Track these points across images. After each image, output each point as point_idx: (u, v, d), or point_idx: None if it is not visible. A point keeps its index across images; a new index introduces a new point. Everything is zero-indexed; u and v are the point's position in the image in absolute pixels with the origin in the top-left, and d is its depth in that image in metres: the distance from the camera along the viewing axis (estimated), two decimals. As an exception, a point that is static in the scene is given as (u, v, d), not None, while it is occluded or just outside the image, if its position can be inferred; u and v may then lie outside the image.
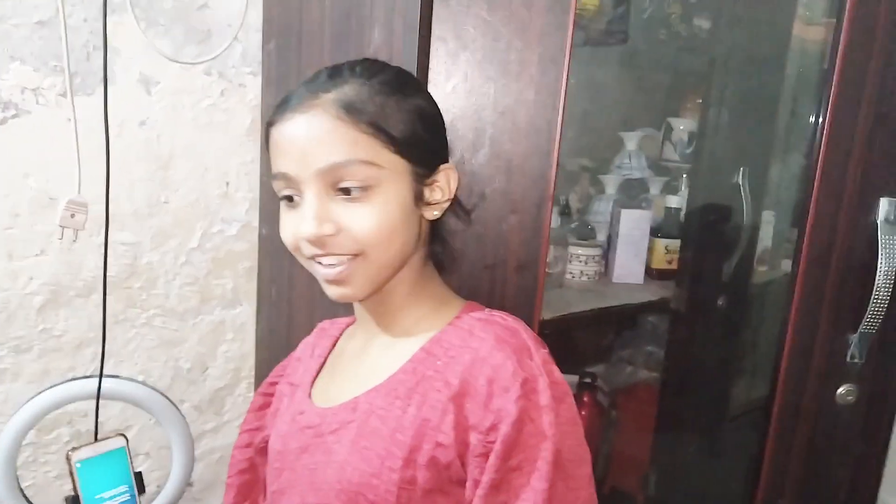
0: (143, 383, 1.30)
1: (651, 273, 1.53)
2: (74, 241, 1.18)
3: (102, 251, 1.21)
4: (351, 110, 0.66)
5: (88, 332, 1.24)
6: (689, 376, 1.53)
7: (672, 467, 1.57)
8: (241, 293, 1.41)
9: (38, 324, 1.19)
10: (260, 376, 1.45)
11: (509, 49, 0.86)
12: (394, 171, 0.68)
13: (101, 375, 1.23)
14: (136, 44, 1.18)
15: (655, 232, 1.53)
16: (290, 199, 0.70)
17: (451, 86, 0.86)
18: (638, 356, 1.96)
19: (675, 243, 1.53)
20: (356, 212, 0.67)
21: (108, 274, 1.22)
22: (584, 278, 1.44)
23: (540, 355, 0.68)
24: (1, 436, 1.17)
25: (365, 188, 0.66)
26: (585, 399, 1.43)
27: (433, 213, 0.73)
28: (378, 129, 0.66)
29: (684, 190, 1.71)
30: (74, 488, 0.94)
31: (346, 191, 0.66)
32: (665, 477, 1.58)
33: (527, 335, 0.70)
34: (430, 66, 0.86)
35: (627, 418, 1.60)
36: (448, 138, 0.77)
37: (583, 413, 1.43)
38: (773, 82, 1.39)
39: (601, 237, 1.61)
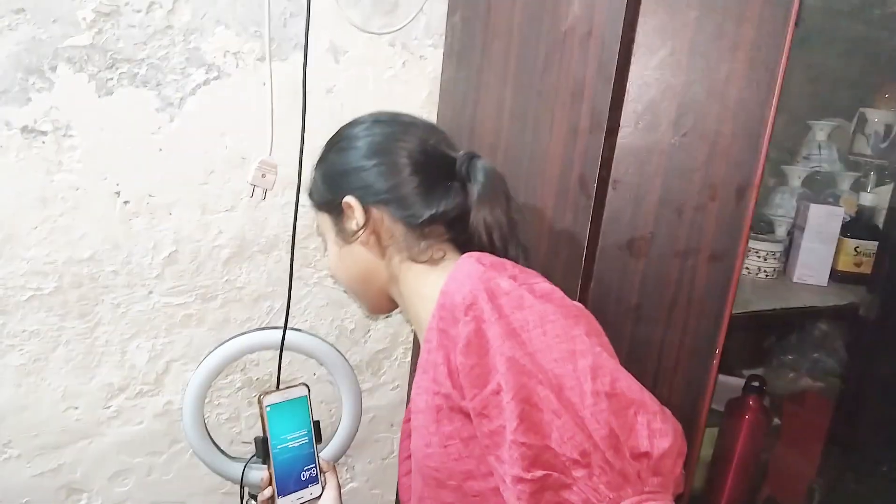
0: (322, 338, 1.36)
1: (835, 275, 1.41)
2: (263, 199, 1.24)
3: (285, 211, 1.27)
4: (308, 194, 0.96)
5: (266, 287, 1.31)
6: (869, 391, 1.40)
7: (840, 484, 1.46)
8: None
9: (223, 275, 1.27)
10: (417, 342, 1.47)
11: (724, 22, 0.80)
12: (324, 225, 0.92)
13: (285, 327, 1.29)
14: (328, 13, 1.21)
15: (844, 231, 1.41)
16: None
17: (658, 59, 0.82)
18: (803, 362, 1.82)
19: (868, 245, 1.40)
20: None
21: (287, 234, 1.28)
22: (762, 275, 1.35)
23: (486, 275, 0.74)
24: (194, 375, 1.26)
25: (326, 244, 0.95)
26: (751, 403, 1.35)
27: (363, 241, 0.86)
28: (311, 200, 0.94)
29: (875, 187, 1.56)
30: (263, 429, 1.00)
31: None
32: (831, 494, 1.47)
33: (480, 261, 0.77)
34: (636, 39, 0.82)
35: (793, 428, 1.50)
36: (344, 174, 0.87)
37: (746, 417, 1.35)
38: None
39: (780, 232, 1.50)
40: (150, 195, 1.16)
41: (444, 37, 1.32)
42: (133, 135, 1.12)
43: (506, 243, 0.84)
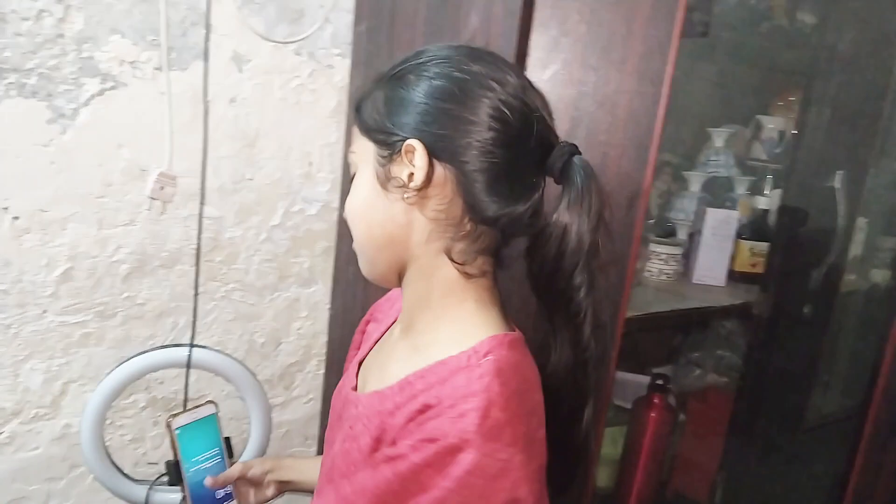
0: (228, 355, 1.33)
1: (733, 276, 1.48)
2: (162, 213, 1.21)
3: (188, 223, 1.24)
4: (357, 104, 0.72)
5: (169, 303, 1.27)
6: (766, 384, 1.47)
7: (742, 475, 1.53)
8: (317, 272, 1.42)
9: (122, 291, 1.22)
10: (331, 355, 1.46)
11: (613, 36, 0.83)
12: (363, 155, 0.70)
13: (191, 345, 1.26)
14: (230, 21, 1.19)
15: (740, 233, 1.48)
16: None
17: (550, 73, 0.84)
18: (708, 359, 1.90)
19: (761, 246, 1.47)
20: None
21: (190, 247, 1.25)
22: (663, 277, 1.40)
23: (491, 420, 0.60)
24: (93, 397, 1.21)
25: (355, 173, 0.72)
26: (655, 401, 1.39)
27: (404, 196, 0.67)
28: (357, 116, 0.71)
29: (771, 191, 1.65)
30: (175, 453, 0.97)
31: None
32: (734, 485, 1.54)
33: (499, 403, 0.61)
34: (529, 52, 0.84)
35: (696, 423, 1.56)
36: (424, 115, 0.67)
37: (651, 415, 1.39)
38: (879, 83, 1.32)
39: (681, 235, 1.56)
40: (42, 210, 1.11)
41: (351, 46, 1.32)
42: (22, 148, 1.07)
43: (574, 268, 0.68)
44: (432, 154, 0.65)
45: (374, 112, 0.69)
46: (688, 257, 1.49)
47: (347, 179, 1.33)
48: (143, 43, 1.13)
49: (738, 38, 1.51)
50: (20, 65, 1.05)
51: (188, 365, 1.27)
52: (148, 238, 1.21)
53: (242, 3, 1.20)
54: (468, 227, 0.68)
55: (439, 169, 0.66)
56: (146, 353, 1.25)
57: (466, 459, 0.58)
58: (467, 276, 0.70)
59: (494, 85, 0.65)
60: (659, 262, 1.39)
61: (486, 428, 0.59)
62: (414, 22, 1.07)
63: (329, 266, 1.43)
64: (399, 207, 0.68)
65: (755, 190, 1.67)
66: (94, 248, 1.17)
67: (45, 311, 1.16)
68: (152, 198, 1.18)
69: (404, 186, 0.66)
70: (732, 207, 1.61)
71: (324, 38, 1.29)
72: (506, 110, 0.65)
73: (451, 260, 0.68)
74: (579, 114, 0.85)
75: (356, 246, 0.74)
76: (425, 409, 0.61)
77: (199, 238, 1.22)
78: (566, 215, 0.66)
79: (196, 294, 1.25)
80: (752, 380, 1.51)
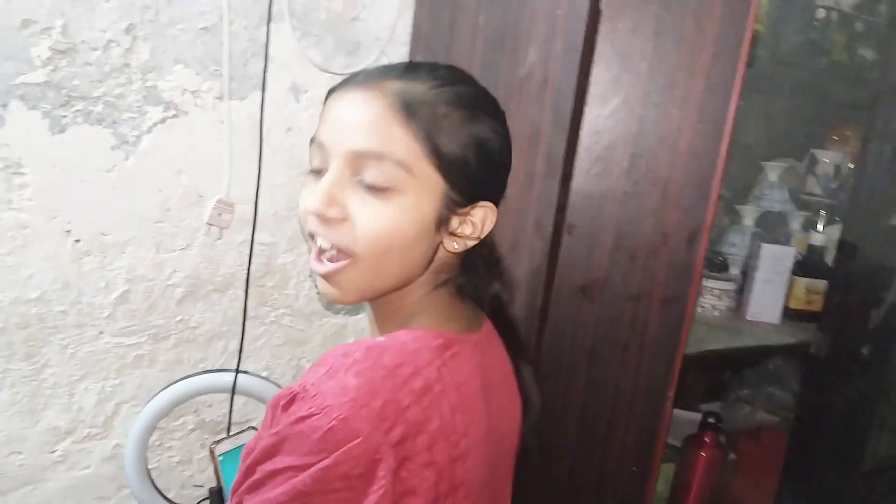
0: (272, 381, 1.34)
1: (788, 313, 1.44)
2: (219, 238, 1.23)
3: (241, 249, 1.25)
4: (409, 107, 0.61)
5: (221, 326, 1.29)
6: (822, 425, 1.43)
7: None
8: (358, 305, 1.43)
9: (176, 314, 1.24)
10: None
11: (675, 73, 0.83)
12: (425, 184, 0.63)
13: (237, 370, 1.27)
14: (289, 52, 1.22)
15: (795, 270, 1.44)
16: (317, 172, 0.66)
17: (610, 109, 0.84)
18: (758, 397, 1.85)
19: (818, 283, 1.44)
20: (369, 208, 0.62)
21: (244, 272, 1.27)
22: (716, 313, 1.38)
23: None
24: (138, 417, 1.22)
25: (387, 189, 0.62)
26: (706, 440, 1.36)
27: (453, 246, 0.67)
28: (427, 137, 0.61)
29: (825, 227, 1.61)
30: (218, 479, 0.97)
31: (371, 179, 0.62)
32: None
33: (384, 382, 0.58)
34: (589, 88, 0.84)
35: (748, 463, 1.52)
36: (504, 177, 0.71)
37: (702, 454, 1.36)
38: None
39: (733, 270, 1.54)
40: (102, 234, 1.14)
41: (404, 77, 1.33)
42: (86, 173, 1.11)
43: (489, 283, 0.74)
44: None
45: (460, 151, 0.64)
46: (741, 293, 1.46)
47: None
48: (204, 73, 1.16)
49: (793, 72, 1.50)
50: (87, 93, 1.08)
51: (233, 391, 1.28)
52: (203, 263, 1.23)
53: (301, 35, 1.22)
54: (471, 257, 0.72)
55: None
56: (191, 378, 1.26)
57: (299, 408, 0.55)
58: (452, 296, 0.71)
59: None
60: (711, 297, 1.37)
61: (326, 385, 0.56)
62: (471, 56, 1.07)
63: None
64: (434, 244, 0.67)
65: (809, 225, 1.63)
66: (150, 271, 1.19)
67: (101, 333, 1.18)
68: (210, 224, 1.20)
69: (457, 235, 0.67)
70: (786, 243, 1.58)
71: (379, 69, 1.31)
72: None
73: (434, 286, 0.70)
74: (639, 150, 0.85)
75: (369, 269, 0.65)
76: (290, 395, 0.59)
77: (248, 263, 1.24)
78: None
79: (244, 319, 1.26)
80: (807, 420, 1.46)
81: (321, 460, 0.54)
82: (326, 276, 0.66)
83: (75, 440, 1.21)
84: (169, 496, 1.30)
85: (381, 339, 0.63)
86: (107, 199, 1.13)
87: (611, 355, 0.89)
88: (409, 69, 0.65)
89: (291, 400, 0.57)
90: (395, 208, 0.62)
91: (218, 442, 0.98)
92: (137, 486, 1.25)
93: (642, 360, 0.89)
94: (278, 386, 1.33)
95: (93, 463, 1.24)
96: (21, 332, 1.11)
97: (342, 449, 0.54)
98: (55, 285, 1.12)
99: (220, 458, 0.97)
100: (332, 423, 0.54)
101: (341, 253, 0.64)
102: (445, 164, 0.63)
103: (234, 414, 1.35)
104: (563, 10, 0.87)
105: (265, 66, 1.18)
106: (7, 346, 1.11)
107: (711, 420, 1.36)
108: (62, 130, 1.07)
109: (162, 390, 1.24)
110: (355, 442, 0.54)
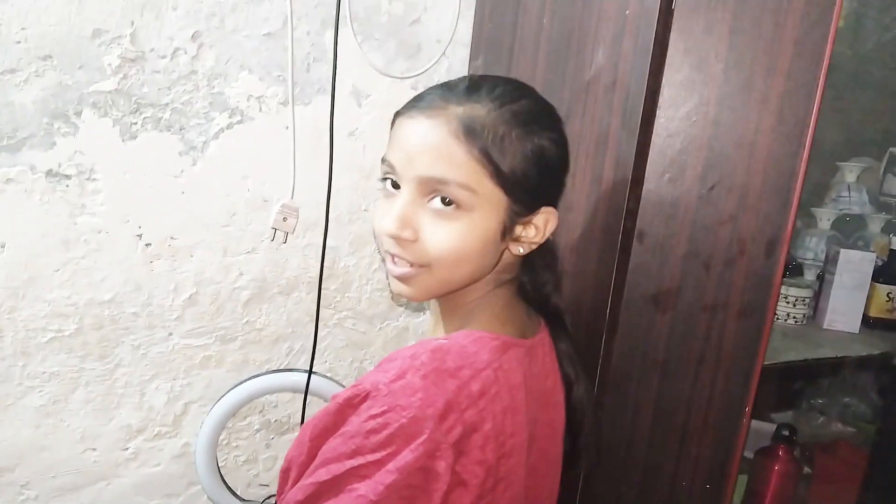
0: (339, 382, 1.35)
1: (867, 321, 1.37)
2: (284, 242, 1.24)
3: (306, 253, 1.27)
4: (470, 132, 0.65)
5: (286, 328, 1.30)
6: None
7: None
8: (426, 302, 1.42)
9: (243, 316, 1.26)
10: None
11: (753, 74, 0.79)
12: (489, 201, 0.67)
13: (310, 371, 1.29)
14: (351, 56, 1.22)
15: (875, 276, 1.37)
16: (394, 185, 0.70)
17: (684, 112, 0.81)
18: (833, 407, 1.78)
19: (901, 290, 1.36)
20: (439, 227, 0.67)
21: (308, 275, 1.28)
22: (791, 321, 1.32)
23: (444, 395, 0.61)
24: (208, 417, 1.25)
25: (456, 208, 0.67)
26: (780, 454, 1.30)
27: (518, 250, 0.72)
28: (487, 159, 0.65)
29: (910, 229, 1.53)
30: None
31: (440, 201, 0.67)
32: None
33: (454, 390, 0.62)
34: (661, 91, 0.81)
35: (825, 477, 1.45)
36: (562, 182, 0.74)
37: (776, 467, 1.31)
38: None
39: (809, 276, 1.47)
40: (171, 237, 1.16)
41: (466, 79, 1.32)
42: (156, 178, 1.13)
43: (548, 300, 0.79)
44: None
45: (520, 166, 0.67)
46: (817, 300, 1.39)
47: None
48: (268, 78, 1.17)
49: (872, 69, 1.42)
50: (156, 100, 1.10)
51: (306, 391, 1.29)
52: (268, 266, 1.25)
53: (363, 39, 1.22)
54: (531, 257, 0.75)
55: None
56: (262, 376, 1.28)
57: (371, 406, 0.60)
58: (512, 296, 0.77)
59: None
60: (786, 304, 1.31)
61: (396, 385, 0.60)
62: (534, 58, 1.05)
63: (438, 297, 1.43)
64: (500, 250, 0.72)
65: (889, 228, 1.55)
66: (218, 274, 1.21)
67: (170, 334, 1.21)
68: (275, 228, 1.21)
69: (521, 241, 0.72)
70: (865, 247, 1.51)
71: (440, 72, 1.30)
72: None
73: (497, 287, 0.75)
74: (714, 154, 0.81)
75: (442, 279, 0.70)
76: (363, 394, 0.63)
77: (321, 268, 1.25)
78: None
79: (317, 320, 1.27)
80: (890, 435, 1.38)
81: (397, 453, 0.58)
82: (401, 278, 0.71)
83: (146, 438, 1.24)
84: (237, 493, 1.33)
85: (443, 341, 0.67)
86: (175, 203, 1.15)
87: (684, 368, 0.86)
88: (469, 91, 0.69)
89: (364, 398, 0.61)
90: (462, 226, 0.67)
91: None
92: (209, 482, 1.27)
93: (718, 374, 0.86)
94: (344, 387, 1.34)
95: (163, 460, 1.27)
96: (95, 333, 1.15)
97: (411, 445, 0.58)
98: (127, 287, 1.15)
99: None
100: (402, 420, 0.59)
101: (416, 264, 0.70)
102: (506, 181, 0.67)
103: (298, 415, 1.36)
104: (633, 10, 0.84)
105: (334, 70, 1.18)
106: (82, 346, 1.14)
107: (786, 433, 1.30)
108: (133, 137, 1.10)
109: (234, 387, 1.26)
110: (421, 439, 0.59)
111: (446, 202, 0.66)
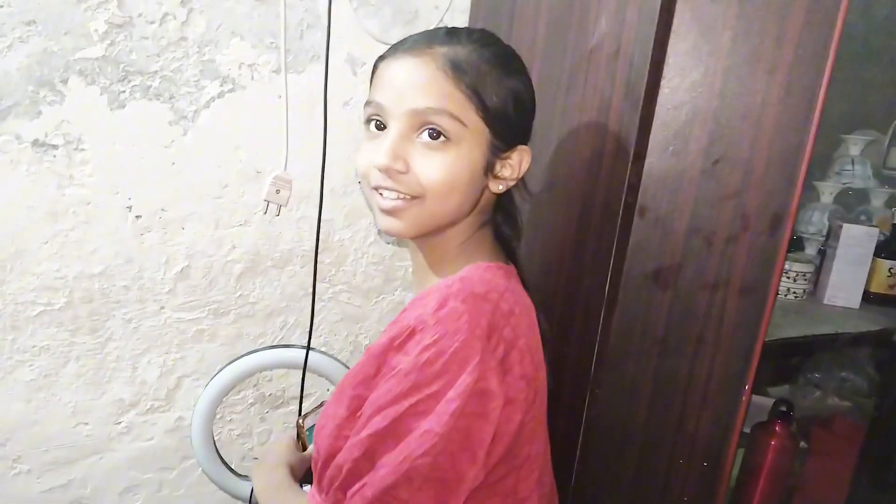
0: (339, 360, 1.33)
1: (868, 297, 1.36)
2: (277, 214, 1.22)
3: (300, 225, 1.24)
4: (457, 68, 0.70)
5: (280, 302, 1.28)
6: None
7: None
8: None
9: (236, 290, 1.24)
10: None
11: (761, 44, 0.76)
12: (475, 134, 0.71)
13: (308, 347, 1.28)
14: (346, 23, 1.18)
15: (878, 251, 1.35)
16: (378, 125, 0.74)
17: (688, 83, 0.78)
18: (830, 381, 1.77)
19: (902, 266, 1.34)
20: (430, 158, 0.71)
21: (301, 248, 1.26)
22: (791, 296, 1.30)
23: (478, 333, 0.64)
24: (205, 391, 1.24)
25: (445, 140, 0.70)
26: (777, 429, 1.30)
27: (498, 187, 0.76)
28: (474, 93, 0.70)
29: (911, 204, 1.51)
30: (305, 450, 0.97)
31: (428, 135, 0.70)
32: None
33: (488, 315, 0.66)
34: (667, 60, 0.78)
35: (821, 452, 1.45)
36: (532, 123, 0.78)
37: (772, 443, 1.30)
38: None
39: (810, 250, 1.45)
40: (162, 209, 1.14)
41: (464, 47, 1.28)
42: (146, 148, 1.10)
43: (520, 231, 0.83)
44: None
45: (501, 102, 0.72)
46: (817, 275, 1.38)
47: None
48: (261, 46, 1.14)
49: (880, 40, 1.39)
50: (145, 67, 1.07)
51: (304, 367, 1.28)
52: (261, 239, 1.22)
53: (358, 5, 1.19)
54: (511, 196, 0.80)
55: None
56: (261, 352, 1.27)
57: (422, 338, 0.63)
58: (495, 235, 0.80)
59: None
60: (786, 279, 1.29)
61: (442, 313, 0.64)
62: (535, 24, 1.02)
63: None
64: (481, 186, 0.75)
65: (892, 202, 1.53)
66: (210, 247, 1.19)
67: (162, 308, 1.19)
68: (268, 200, 1.19)
69: (500, 178, 0.75)
70: (868, 220, 1.49)
71: (438, 39, 1.26)
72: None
73: (481, 224, 0.78)
74: (719, 127, 0.78)
75: (432, 212, 0.73)
76: (407, 330, 0.66)
77: (317, 241, 1.23)
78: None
79: (314, 296, 1.25)
80: (888, 410, 1.38)
81: (454, 380, 0.61)
82: (391, 212, 0.73)
83: (139, 412, 1.23)
84: (231, 467, 1.32)
85: (461, 274, 0.72)
86: (166, 174, 1.12)
87: (684, 345, 0.84)
88: (449, 34, 0.73)
89: (411, 334, 0.64)
90: (451, 156, 0.71)
91: (305, 416, 0.98)
92: (204, 457, 1.26)
93: (718, 352, 0.84)
94: (342, 363, 1.33)
95: (156, 434, 1.26)
96: (86, 307, 1.13)
97: (467, 368, 0.61)
98: (117, 260, 1.13)
99: (308, 431, 0.97)
100: (456, 344, 0.62)
101: (407, 196, 0.72)
102: (490, 116, 0.71)
103: (293, 389, 1.35)
104: (638, -24, 0.81)
105: (328, 37, 1.14)
106: (73, 319, 1.12)
107: (783, 409, 1.30)
108: (121, 106, 1.07)
109: (231, 362, 1.25)
110: (475, 360, 0.62)
111: (435, 136, 0.70)
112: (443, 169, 0.70)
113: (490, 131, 0.72)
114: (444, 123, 0.69)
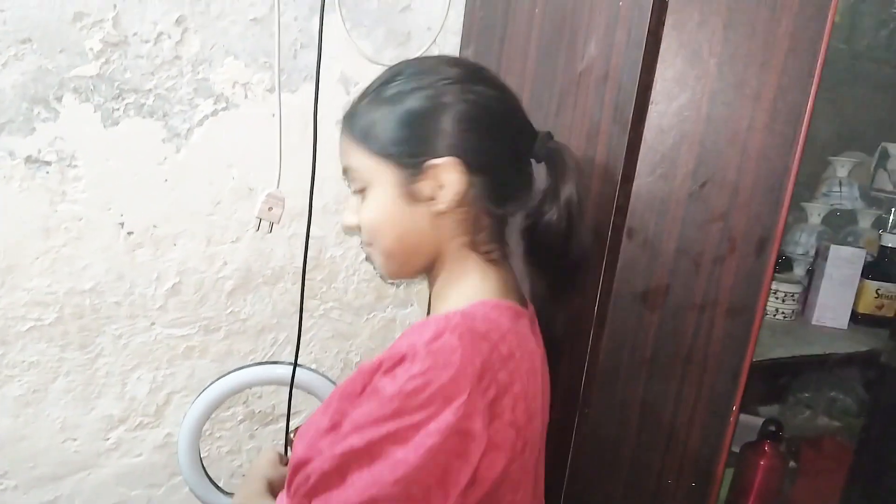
0: (327, 377, 1.33)
1: (856, 318, 1.37)
2: (269, 232, 1.22)
3: (291, 242, 1.25)
4: (350, 122, 0.76)
5: (271, 319, 1.28)
6: (894, 437, 1.35)
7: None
8: (413, 293, 1.41)
9: (227, 306, 1.24)
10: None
11: (746, 69, 0.77)
12: (380, 172, 0.73)
13: (295, 364, 1.27)
14: (339, 43, 1.19)
15: (865, 272, 1.36)
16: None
17: (676, 106, 0.79)
18: (819, 401, 1.78)
19: (889, 287, 1.36)
20: (361, 207, 0.76)
21: (293, 265, 1.26)
22: (780, 317, 1.31)
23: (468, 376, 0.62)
24: (191, 408, 1.23)
25: (361, 189, 0.76)
26: (766, 449, 1.30)
27: (439, 207, 0.73)
28: (365, 138, 0.74)
29: (900, 225, 1.52)
30: None
31: (354, 189, 0.77)
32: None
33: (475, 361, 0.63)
34: (654, 85, 0.79)
35: (810, 472, 1.45)
36: (449, 131, 0.73)
37: (761, 463, 1.31)
38: None
39: (798, 271, 1.47)
40: (154, 226, 1.14)
41: (457, 68, 1.30)
42: (139, 165, 1.11)
43: (567, 244, 0.76)
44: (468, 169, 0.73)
45: (390, 132, 0.73)
46: (806, 296, 1.39)
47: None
48: (254, 65, 1.15)
49: (865, 65, 1.41)
50: (139, 85, 1.08)
51: (291, 384, 1.27)
52: (253, 256, 1.23)
53: (352, 26, 1.20)
54: (486, 221, 0.76)
55: (464, 178, 0.72)
56: (247, 368, 1.26)
57: (410, 366, 0.61)
58: (490, 262, 0.77)
59: (501, 99, 0.76)
60: (774, 300, 1.30)
61: (435, 345, 0.62)
62: (526, 47, 1.03)
63: (425, 288, 1.41)
64: (424, 215, 0.74)
65: (879, 224, 1.55)
66: (201, 263, 1.19)
67: (153, 324, 1.19)
68: (260, 218, 1.19)
69: (432, 199, 0.73)
70: (855, 242, 1.50)
71: (431, 59, 1.28)
72: (510, 120, 0.76)
73: (478, 252, 0.76)
74: (706, 151, 0.80)
75: (383, 252, 0.77)
76: (398, 356, 0.63)
77: (304, 258, 1.23)
78: (566, 188, 0.75)
79: (301, 312, 1.25)
80: (877, 431, 1.38)
81: (437, 414, 0.59)
82: (368, 259, 0.87)
83: (128, 428, 1.22)
84: (218, 485, 1.31)
85: (465, 308, 0.70)
86: (159, 191, 1.13)
87: (672, 366, 0.85)
88: (364, 91, 0.78)
89: (401, 360, 0.62)
90: (370, 199, 0.75)
91: (297, 430, 0.97)
92: (190, 474, 1.26)
93: (705, 373, 0.85)
94: (330, 380, 1.32)
95: (145, 451, 1.25)
96: (76, 322, 1.13)
97: (452, 405, 0.60)
98: (109, 276, 1.13)
99: None
100: (444, 378, 0.60)
101: (366, 244, 0.79)
102: (383, 148, 0.73)
103: (282, 406, 1.35)
104: (626, 1, 0.82)
105: (319, 56, 1.15)
106: (63, 335, 1.12)
107: (772, 428, 1.30)
108: (115, 123, 1.07)
109: (218, 379, 1.24)
110: (462, 399, 0.60)
111: (357, 189, 0.76)
112: (365, 213, 0.76)
113: (391, 162, 0.73)
114: (354, 175, 0.76)
